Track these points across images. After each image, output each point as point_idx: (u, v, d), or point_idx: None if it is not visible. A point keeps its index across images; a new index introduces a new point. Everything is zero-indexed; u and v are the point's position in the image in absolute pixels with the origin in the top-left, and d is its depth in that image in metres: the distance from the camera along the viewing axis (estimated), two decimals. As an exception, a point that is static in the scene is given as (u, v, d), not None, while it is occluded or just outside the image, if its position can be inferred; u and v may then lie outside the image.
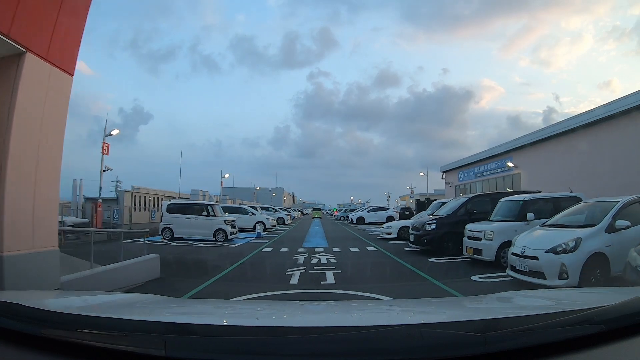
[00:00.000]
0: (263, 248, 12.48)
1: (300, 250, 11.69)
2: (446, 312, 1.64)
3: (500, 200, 10.02)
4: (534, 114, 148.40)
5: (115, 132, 17.56)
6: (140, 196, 23.65)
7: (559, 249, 5.96)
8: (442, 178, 32.76)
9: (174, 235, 15.63)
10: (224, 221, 15.27)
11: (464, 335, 0.99)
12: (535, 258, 6.23)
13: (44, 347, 1.00)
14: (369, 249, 12.13)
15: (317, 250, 11.59)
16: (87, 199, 25.66)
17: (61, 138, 5.09)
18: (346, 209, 48.29)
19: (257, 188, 66.97)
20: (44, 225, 4.78)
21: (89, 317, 1.17)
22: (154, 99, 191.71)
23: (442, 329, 1.04)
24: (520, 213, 8.97)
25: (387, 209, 33.05)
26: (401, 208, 36.06)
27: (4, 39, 4.01)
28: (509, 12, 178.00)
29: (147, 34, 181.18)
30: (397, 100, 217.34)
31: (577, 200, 9.12)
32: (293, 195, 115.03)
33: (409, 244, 11.47)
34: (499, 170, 23.48)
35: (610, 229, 6.02)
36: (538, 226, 7.55)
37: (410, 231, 11.34)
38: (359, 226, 27.31)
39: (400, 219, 32.39)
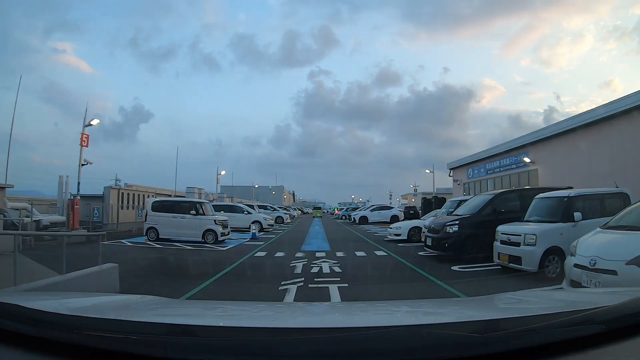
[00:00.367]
0: (256, 252, 10.87)
1: (298, 254, 10.09)
2: (447, 313, 1.62)
3: (536, 197, 8.43)
4: (534, 113, 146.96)
5: (95, 122, 15.95)
6: (128, 193, 22.07)
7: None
8: (449, 175, 31.03)
9: (160, 236, 14.08)
10: (214, 221, 13.67)
11: (465, 336, 0.98)
12: (613, 272, 4.62)
13: (43, 348, 1.00)
14: (378, 253, 10.52)
15: (318, 254, 10.00)
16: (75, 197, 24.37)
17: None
18: (348, 208, 46.72)
19: (256, 186, 65.21)
20: None
21: (89, 319, 1.15)
22: (154, 98, 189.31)
23: (443, 330, 1.03)
24: (565, 212, 7.41)
25: (392, 207, 31.49)
26: (405, 207, 34.44)
27: None
28: (510, 11, 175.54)
29: (147, 33, 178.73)
30: (397, 99, 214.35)
31: (624, 196, 7.70)
32: (293, 193, 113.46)
33: (425, 247, 9.86)
34: (514, 166, 21.79)
35: None
36: (599, 228, 5.94)
37: (427, 233, 9.74)
38: (361, 226, 25.74)
39: (405, 218, 30.80)
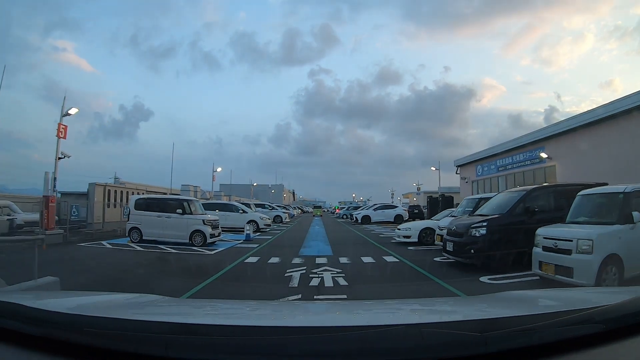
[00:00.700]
0: (247, 257, 9.44)
1: (296, 260, 8.68)
2: (447, 312, 1.63)
3: (579, 194, 7.02)
4: (535, 112, 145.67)
5: (73, 111, 14.46)
6: (115, 190, 20.62)
7: None
8: (456, 173, 29.57)
9: (143, 238, 12.68)
10: (203, 221, 12.25)
11: (465, 335, 0.97)
12: None
13: (44, 347, 1.00)
14: (388, 259, 9.09)
15: (318, 260, 8.59)
16: (63, 194, 22.92)
17: None
18: (348, 207, 45.30)
19: (254, 184, 63.68)
20: None
21: (89, 317, 1.14)
22: (154, 97, 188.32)
23: (443, 329, 1.01)
24: (621, 212, 6.03)
25: (395, 206, 30.07)
26: (409, 206, 33.06)
27: None
28: (510, 11, 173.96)
29: (147, 31, 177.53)
30: (398, 97, 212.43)
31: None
32: (293, 192, 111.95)
33: (443, 253, 8.42)
34: (528, 162, 20.35)
35: None
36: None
37: (446, 237, 8.31)
38: (364, 226, 24.34)
39: (410, 217, 29.45)
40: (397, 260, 8.92)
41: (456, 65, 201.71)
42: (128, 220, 13.40)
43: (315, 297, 5.32)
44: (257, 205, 25.98)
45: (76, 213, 15.22)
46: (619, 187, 6.65)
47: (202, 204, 20.35)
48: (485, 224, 7.43)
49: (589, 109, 17.05)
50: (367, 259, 8.92)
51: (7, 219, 14.86)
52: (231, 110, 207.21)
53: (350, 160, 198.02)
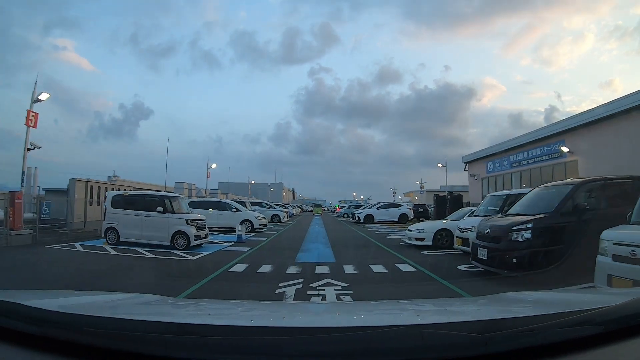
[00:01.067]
0: (234, 264, 7.89)
1: (291, 269, 7.15)
2: (447, 313, 1.61)
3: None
4: (535, 112, 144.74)
5: (44, 96, 12.86)
6: (99, 187, 19.04)
7: None
8: (464, 169, 27.98)
9: (120, 239, 11.16)
10: (186, 220, 10.71)
11: (465, 335, 0.97)
12: None
13: (44, 346, 1.00)
14: (403, 268, 7.54)
15: (318, 270, 7.08)
16: (48, 191, 21.44)
17: None
18: (350, 206, 43.75)
19: (252, 182, 62.04)
20: None
21: (89, 317, 1.13)
22: (154, 95, 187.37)
23: (443, 330, 1.01)
24: None
25: (400, 205, 28.51)
26: (414, 205, 31.52)
27: None
28: (511, 10, 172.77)
29: (147, 30, 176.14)
30: (398, 96, 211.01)
31: None
32: (293, 191, 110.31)
33: (472, 261, 6.87)
34: (546, 157, 18.79)
35: None
36: None
37: (476, 241, 6.76)
38: (367, 225, 22.82)
39: (415, 217, 27.93)
40: (414, 269, 7.38)
41: (456, 64, 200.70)
42: (104, 219, 11.88)
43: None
44: (253, 204, 24.41)
45: (47, 211, 13.57)
46: None
47: (193, 201, 18.95)
48: (530, 225, 5.89)
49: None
50: (377, 268, 7.38)
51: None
52: (231, 109, 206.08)
53: (350, 160, 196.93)
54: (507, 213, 7.19)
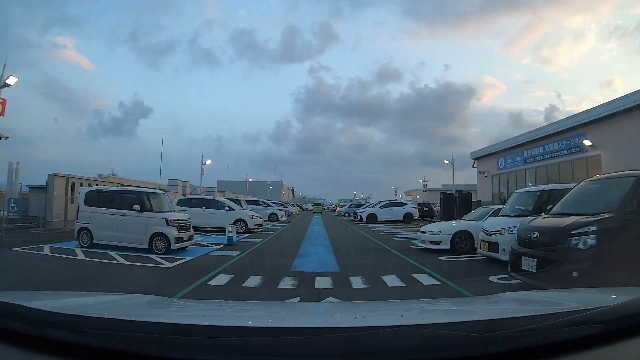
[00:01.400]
0: (216, 274, 6.49)
1: (284, 283, 5.78)
2: (447, 313, 1.61)
3: None
4: (535, 111, 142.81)
5: (11, 80, 11.45)
6: (82, 183, 17.64)
7: None
8: (473, 166, 26.53)
9: (94, 241, 9.81)
10: (166, 220, 9.32)
11: (465, 336, 0.96)
12: None
13: (43, 347, 0.99)
14: (423, 280, 6.14)
15: (319, 284, 5.73)
16: (31, 188, 20.08)
17: None
18: (351, 204, 42.36)
19: (250, 179, 60.62)
20: None
21: (88, 318, 1.12)
22: (154, 94, 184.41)
23: (443, 330, 1.00)
24: None
25: (405, 204, 27.11)
26: (419, 204, 30.13)
27: None
28: (511, 10, 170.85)
29: (147, 28, 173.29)
30: (398, 95, 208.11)
31: None
32: (293, 189, 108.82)
33: (511, 273, 5.45)
34: (565, 151, 17.38)
35: None
36: None
37: (518, 247, 5.34)
38: (370, 225, 21.46)
39: (420, 216, 26.56)
40: (437, 281, 5.99)
41: (457, 63, 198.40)
42: (77, 218, 10.51)
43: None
44: (249, 202, 23.01)
45: (15, 208, 12.18)
46: None
47: (182, 199, 17.54)
48: (594, 228, 4.50)
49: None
50: (391, 280, 5.98)
51: None
52: (231, 107, 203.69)
53: (350, 158, 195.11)
54: (551, 212, 5.79)
